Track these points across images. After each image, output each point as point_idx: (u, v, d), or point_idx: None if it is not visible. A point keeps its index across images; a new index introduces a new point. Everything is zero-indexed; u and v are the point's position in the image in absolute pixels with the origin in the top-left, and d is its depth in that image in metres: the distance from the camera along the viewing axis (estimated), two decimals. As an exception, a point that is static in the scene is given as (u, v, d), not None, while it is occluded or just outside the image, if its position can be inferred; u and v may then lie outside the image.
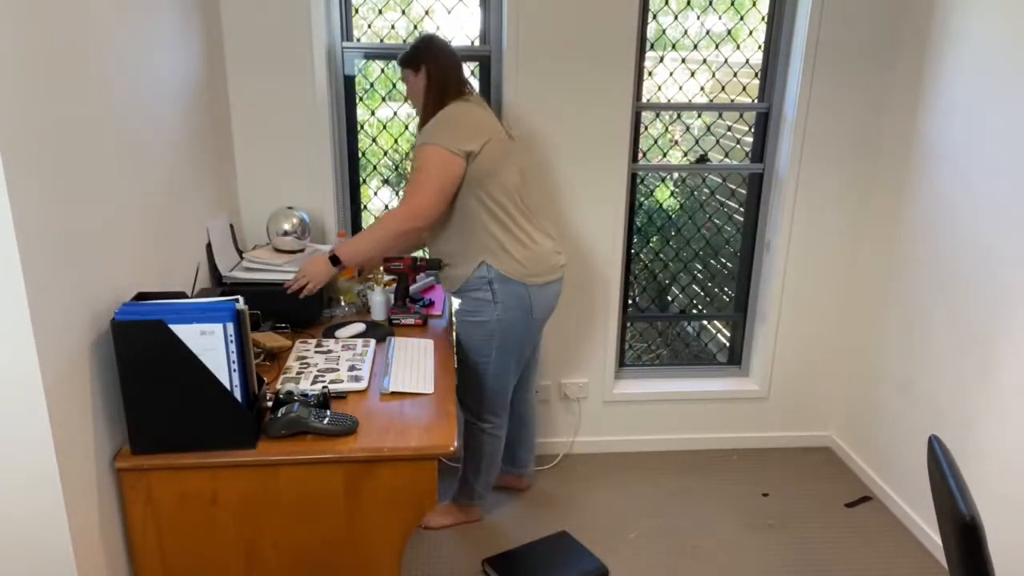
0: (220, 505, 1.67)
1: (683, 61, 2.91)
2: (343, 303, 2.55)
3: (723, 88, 2.99)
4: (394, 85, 2.88)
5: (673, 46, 2.89)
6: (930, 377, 2.56)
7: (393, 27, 2.77)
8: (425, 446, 1.69)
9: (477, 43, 2.76)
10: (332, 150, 2.71)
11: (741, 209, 3.12)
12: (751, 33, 2.89)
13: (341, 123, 2.77)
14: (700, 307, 3.35)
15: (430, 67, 2.25)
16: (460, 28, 2.76)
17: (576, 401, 3.10)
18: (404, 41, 2.78)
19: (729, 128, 3.11)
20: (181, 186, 2.09)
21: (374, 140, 2.92)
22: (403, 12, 2.75)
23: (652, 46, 2.85)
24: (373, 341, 2.22)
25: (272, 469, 1.66)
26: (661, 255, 3.23)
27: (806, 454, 3.20)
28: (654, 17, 2.82)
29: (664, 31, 2.86)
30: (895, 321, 2.76)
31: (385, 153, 2.95)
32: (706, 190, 3.21)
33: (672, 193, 3.25)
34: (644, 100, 2.90)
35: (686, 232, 3.20)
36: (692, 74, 2.93)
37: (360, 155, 2.88)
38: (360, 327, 2.31)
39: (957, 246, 2.43)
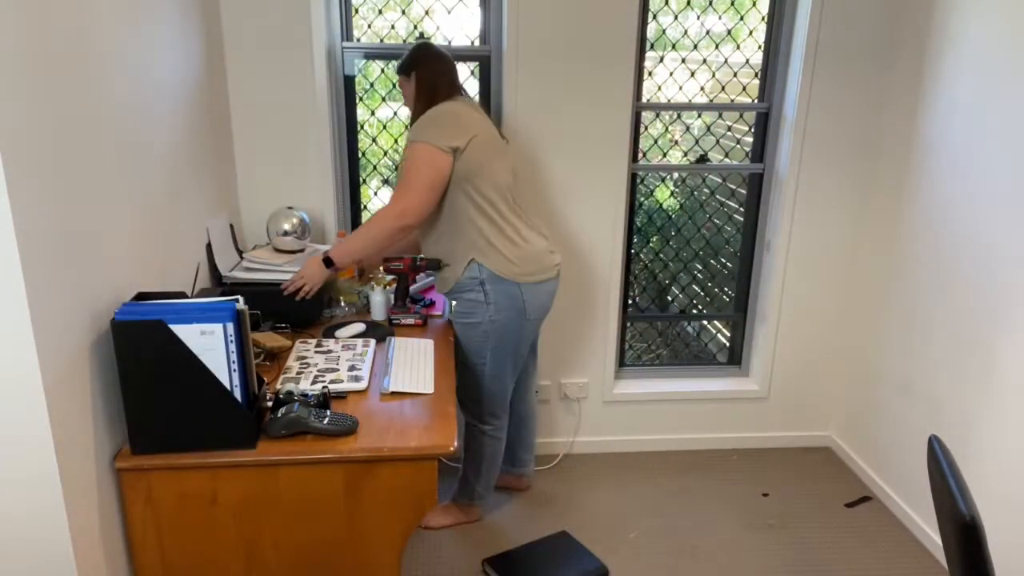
0: (220, 505, 1.68)
1: (683, 61, 2.91)
2: (343, 303, 2.55)
3: (723, 88, 2.99)
4: (394, 85, 2.88)
5: (673, 46, 2.89)
6: (930, 377, 2.56)
7: (393, 27, 2.77)
8: (425, 446, 1.69)
9: (477, 43, 2.76)
10: (332, 150, 2.71)
11: (741, 209, 3.12)
12: (751, 33, 2.89)
13: (341, 123, 2.77)
14: (700, 307, 3.35)
15: (420, 72, 2.30)
16: (460, 28, 2.76)
17: (576, 401, 3.10)
18: (404, 41, 2.78)
19: (729, 128, 3.11)
20: (181, 186, 2.09)
21: (374, 140, 2.92)
22: (403, 12, 2.75)
23: (652, 46, 2.85)
24: (373, 341, 2.22)
25: (272, 469, 1.66)
26: (661, 255, 3.23)
27: (806, 454, 3.20)
28: (654, 17, 2.82)
29: (664, 31, 2.86)
30: (895, 321, 2.76)
31: (385, 153, 2.95)
32: (706, 190, 3.21)
33: (672, 193, 3.25)
34: (644, 100, 2.90)
35: (686, 232, 3.20)
36: (692, 74, 2.93)
37: (360, 155, 2.88)
38: (360, 327, 2.31)
39: (957, 246, 2.43)
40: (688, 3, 2.84)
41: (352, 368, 2.03)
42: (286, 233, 2.51)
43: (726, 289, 3.27)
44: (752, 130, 3.01)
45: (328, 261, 2.26)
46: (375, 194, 2.99)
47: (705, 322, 3.50)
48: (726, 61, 2.93)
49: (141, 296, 1.66)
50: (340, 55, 2.69)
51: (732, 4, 2.85)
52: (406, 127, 2.92)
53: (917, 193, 2.64)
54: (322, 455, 1.66)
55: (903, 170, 2.72)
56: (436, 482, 1.73)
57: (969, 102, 2.38)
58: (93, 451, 1.55)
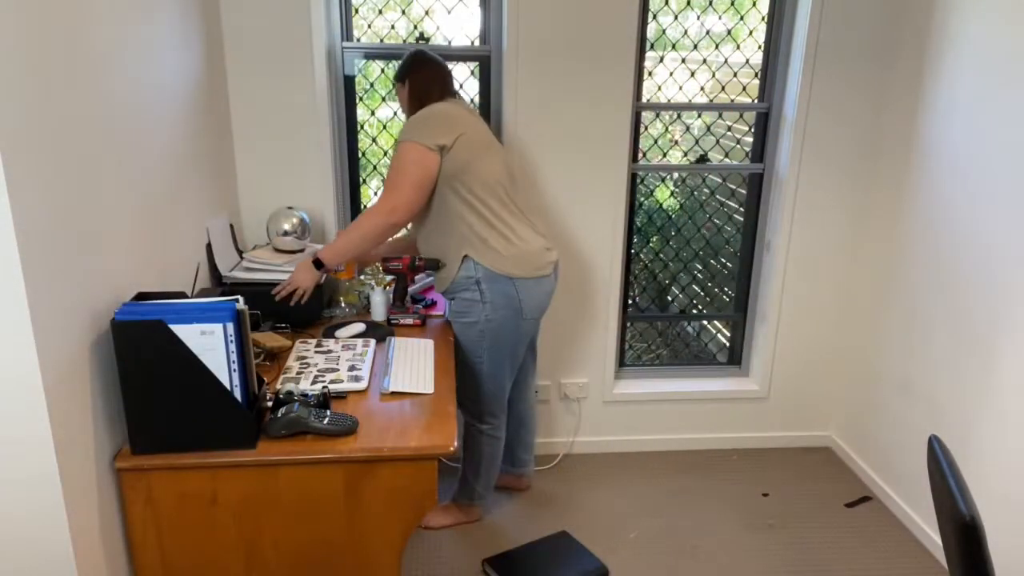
0: (220, 505, 1.68)
1: (683, 61, 2.91)
2: (343, 303, 2.55)
3: (723, 88, 2.99)
4: (394, 85, 2.88)
5: (673, 46, 2.89)
6: (930, 377, 2.56)
7: (393, 27, 2.77)
8: (425, 446, 1.69)
9: (477, 43, 2.76)
10: (332, 150, 2.71)
11: (741, 209, 3.12)
12: (751, 33, 2.89)
13: (341, 123, 2.77)
14: (700, 307, 3.35)
15: (413, 78, 2.34)
16: (460, 28, 2.76)
17: (576, 401, 3.10)
18: (404, 41, 2.78)
19: (729, 128, 3.11)
20: (181, 186, 2.09)
21: (374, 140, 2.92)
22: (403, 12, 2.75)
23: (652, 46, 2.85)
24: (373, 341, 2.22)
25: (272, 469, 1.66)
26: (661, 255, 3.23)
27: (806, 454, 3.20)
28: (654, 17, 2.82)
29: (664, 31, 2.86)
30: (895, 321, 2.76)
31: (385, 153, 2.95)
32: (706, 190, 3.21)
33: (672, 193, 3.25)
34: (644, 100, 2.90)
35: (686, 232, 3.20)
36: (692, 74, 2.93)
37: (360, 155, 2.88)
38: (360, 327, 2.31)
39: (957, 246, 2.43)
40: (688, 3, 2.84)
41: (352, 368, 2.03)
42: (286, 233, 2.51)
43: (726, 289, 3.27)
44: (752, 130, 3.01)
45: (318, 263, 2.27)
46: (375, 194, 2.99)
47: (705, 322, 3.50)
48: (726, 61, 2.93)
49: (141, 296, 1.66)
50: (340, 55, 2.69)
51: (732, 4, 2.85)
52: (406, 127, 2.92)
53: (917, 193, 2.64)
54: (322, 455, 1.66)
55: (903, 170, 2.72)
56: (436, 482, 1.73)
57: (969, 102, 2.38)
58: (93, 451, 1.55)
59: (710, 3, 2.85)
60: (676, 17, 2.86)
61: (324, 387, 1.83)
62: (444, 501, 2.67)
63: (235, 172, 2.67)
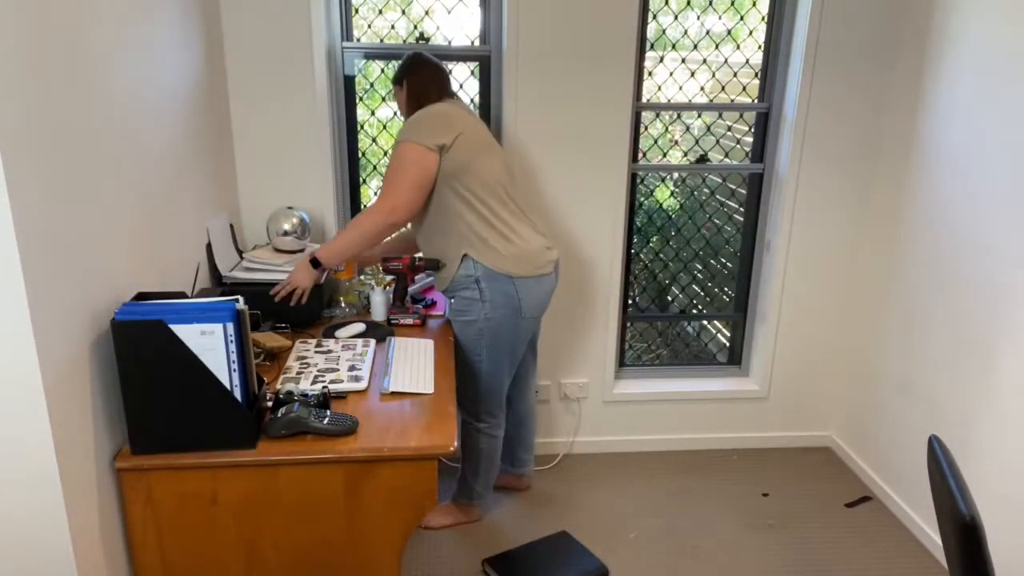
0: (220, 505, 1.68)
1: (683, 61, 2.91)
2: (343, 303, 2.55)
3: (723, 88, 2.99)
4: (392, 87, 2.88)
5: (673, 46, 2.89)
6: (930, 377, 2.56)
7: (393, 27, 2.77)
8: (425, 446, 1.69)
9: (477, 43, 2.76)
10: (332, 150, 2.71)
11: (741, 209, 3.12)
12: (751, 33, 2.89)
13: (341, 123, 2.77)
14: (700, 307, 3.35)
15: (411, 80, 2.35)
16: (460, 28, 2.76)
17: (576, 401, 3.10)
18: (404, 41, 2.78)
19: (729, 128, 3.11)
20: (181, 186, 2.09)
21: (374, 140, 2.92)
22: (403, 12, 2.75)
23: (652, 46, 2.85)
24: (373, 341, 2.22)
25: (272, 469, 1.66)
26: (661, 255, 3.23)
27: (806, 454, 3.20)
28: (654, 17, 2.82)
29: (664, 31, 2.86)
30: (895, 321, 2.76)
31: (385, 153, 2.95)
32: (706, 190, 3.21)
33: (672, 193, 3.25)
34: (644, 100, 2.90)
35: (686, 232, 3.20)
36: (692, 74, 2.93)
37: (360, 155, 2.88)
38: (360, 327, 2.31)
39: (957, 246, 2.43)
40: (688, 3, 2.84)
41: (352, 368, 2.03)
42: (286, 233, 2.51)
43: (726, 289, 3.27)
44: (752, 130, 3.01)
45: (316, 262, 2.27)
46: (375, 194, 2.99)
47: (705, 322, 3.50)
48: (726, 61, 2.93)
49: (141, 296, 1.66)
50: (340, 55, 2.69)
51: (732, 4, 2.85)
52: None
53: (917, 193, 2.64)
54: (322, 455, 1.66)
55: (903, 170, 2.72)
56: (436, 482, 1.73)
57: (969, 102, 2.38)
58: (93, 451, 1.55)
59: (710, 3, 2.85)
60: (676, 17, 2.86)
61: (324, 387, 1.83)
62: (444, 501, 2.67)
63: (235, 172, 2.67)
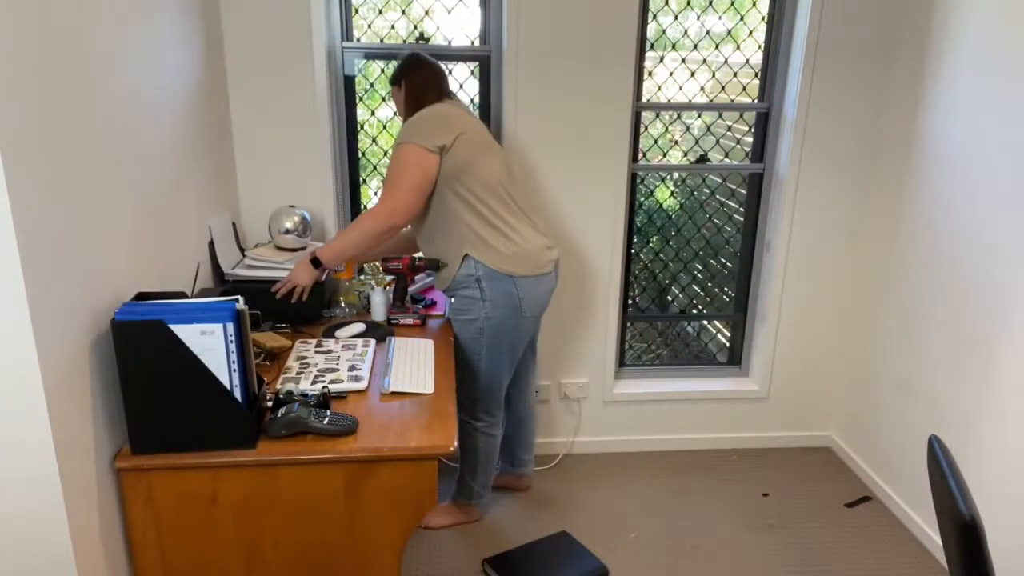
0: (220, 505, 1.68)
1: (683, 61, 2.91)
2: (343, 303, 2.55)
3: (723, 88, 2.99)
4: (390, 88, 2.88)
5: (673, 46, 2.89)
6: (930, 377, 2.56)
7: (393, 27, 2.77)
8: (425, 446, 1.69)
9: (477, 43, 2.76)
10: (332, 150, 2.71)
11: (741, 209, 3.12)
12: (751, 33, 2.89)
13: (341, 123, 2.77)
14: (700, 307, 3.35)
15: (409, 81, 2.34)
16: (460, 28, 2.76)
17: (576, 401, 3.10)
18: (404, 41, 2.78)
19: (729, 128, 3.11)
20: (181, 186, 2.09)
21: (374, 140, 2.92)
22: (403, 12, 2.75)
23: (652, 46, 2.85)
24: (373, 341, 2.22)
25: (272, 469, 1.66)
26: (661, 255, 3.23)
27: (806, 454, 3.20)
28: (654, 17, 2.82)
29: (664, 31, 2.86)
30: (895, 321, 2.76)
31: (385, 153, 2.95)
32: (706, 190, 3.21)
33: (672, 193, 3.25)
34: (644, 100, 2.90)
35: (686, 232, 3.20)
36: (692, 74, 2.93)
37: (360, 155, 2.88)
38: (360, 327, 2.31)
39: (957, 246, 2.43)
40: (688, 3, 2.84)
41: (352, 368, 2.03)
42: (288, 231, 2.51)
43: (726, 289, 3.27)
44: (752, 130, 3.01)
45: (316, 262, 2.27)
46: (375, 194, 2.99)
47: (705, 322, 3.50)
48: (726, 61, 2.93)
49: (141, 296, 1.66)
50: (340, 55, 2.69)
51: (732, 4, 2.85)
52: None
53: (917, 193, 2.64)
54: (322, 455, 1.66)
55: (903, 170, 2.72)
56: (436, 482, 1.73)
57: (969, 102, 2.38)
58: (93, 451, 1.55)
59: (710, 3, 2.85)
60: (676, 17, 2.86)
61: (324, 387, 1.83)
62: (443, 501, 2.67)
63: (235, 172, 2.67)
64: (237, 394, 1.61)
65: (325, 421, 1.70)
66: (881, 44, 2.75)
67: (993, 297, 2.27)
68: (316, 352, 2.14)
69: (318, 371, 2.00)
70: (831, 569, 2.48)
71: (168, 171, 1.99)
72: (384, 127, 2.92)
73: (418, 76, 2.33)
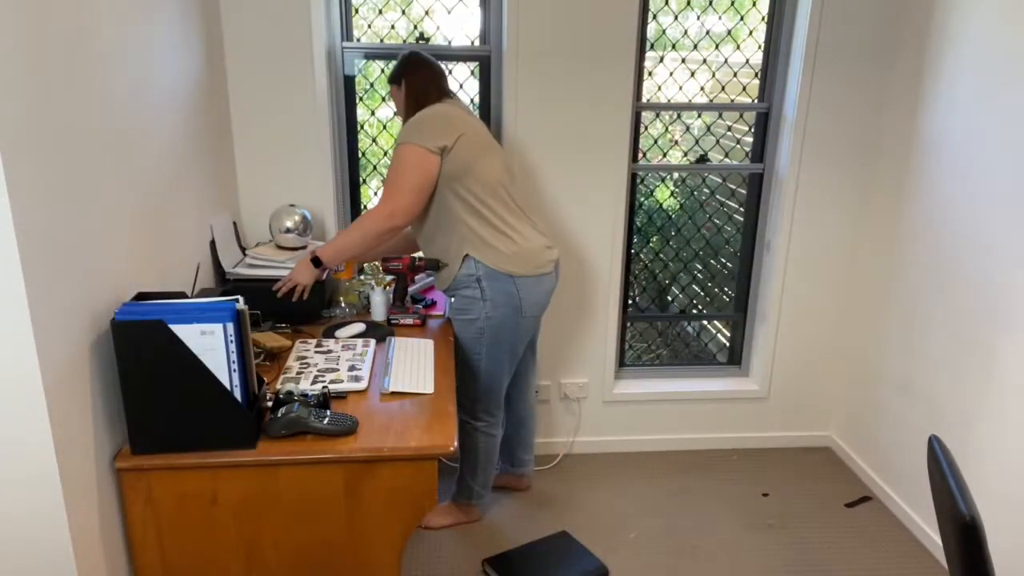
0: (220, 505, 1.68)
1: (683, 61, 2.91)
2: (343, 303, 2.55)
3: (723, 88, 2.99)
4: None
5: (673, 46, 2.89)
6: (930, 377, 2.56)
7: (393, 27, 2.77)
8: (425, 446, 1.69)
9: (477, 43, 2.76)
10: (332, 150, 2.71)
11: (741, 209, 3.12)
12: (751, 33, 2.89)
13: (341, 123, 2.77)
14: (700, 307, 3.35)
15: (409, 80, 2.33)
16: (460, 28, 2.76)
17: (576, 401, 3.10)
18: (404, 41, 2.78)
19: (729, 128, 3.11)
20: (181, 186, 2.09)
21: (374, 140, 2.92)
22: (403, 12, 2.75)
23: (652, 46, 2.85)
24: (373, 341, 2.22)
25: (272, 469, 1.66)
26: (661, 255, 3.23)
27: (806, 454, 3.20)
28: (654, 17, 2.82)
29: (664, 31, 2.86)
30: (895, 321, 2.76)
31: (385, 153, 2.95)
32: (706, 190, 3.21)
33: (672, 193, 3.25)
34: (644, 100, 2.90)
35: (686, 232, 3.20)
36: (692, 74, 2.93)
37: (360, 155, 2.88)
38: (360, 327, 2.31)
39: (957, 246, 2.43)
40: (688, 3, 2.84)
41: (352, 368, 2.03)
42: (288, 230, 2.52)
43: (726, 289, 3.27)
44: (752, 130, 3.01)
45: (317, 261, 2.27)
46: (375, 194, 2.99)
47: (705, 322, 3.50)
48: (726, 61, 2.93)
49: (141, 296, 1.66)
50: (340, 55, 2.69)
51: (732, 4, 2.85)
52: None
53: (917, 193, 2.64)
54: (322, 455, 1.66)
55: (903, 170, 2.72)
56: (436, 482, 1.73)
57: (969, 102, 2.38)
58: (93, 451, 1.55)
59: (710, 3, 2.85)
60: (676, 17, 2.86)
61: (324, 387, 1.83)
62: (443, 501, 2.67)
63: (235, 172, 2.67)
64: (237, 394, 1.61)
65: (325, 421, 1.70)
66: (881, 44, 2.75)
67: (993, 297, 2.27)
68: (316, 352, 2.14)
69: (318, 371, 2.00)
70: (831, 569, 2.48)
71: (168, 171, 1.99)
72: (384, 127, 2.92)
73: (418, 76, 2.33)
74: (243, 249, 2.58)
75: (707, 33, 2.89)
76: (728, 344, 3.32)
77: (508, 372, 2.45)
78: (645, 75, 2.87)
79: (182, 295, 1.69)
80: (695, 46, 2.90)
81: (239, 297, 1.62)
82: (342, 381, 1.95)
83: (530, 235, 2.34)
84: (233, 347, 1.58)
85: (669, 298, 3.33)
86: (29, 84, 1.32)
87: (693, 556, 2.53)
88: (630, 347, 3.30)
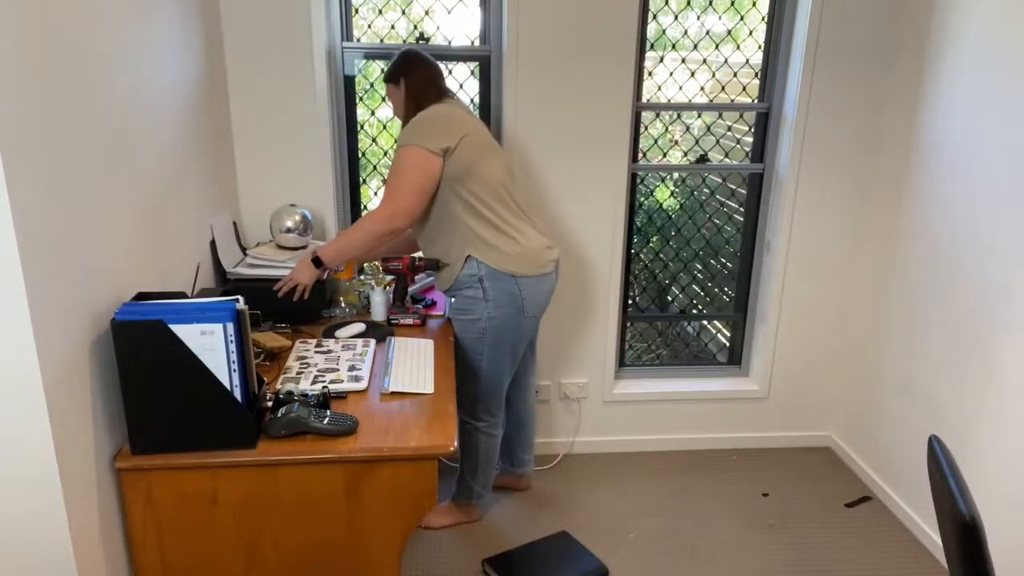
0: (220, 505, 1.68)
1: (683, 61, 2.91)
2: (343, 303, 2.55)
3: (723, 88, 2.99)
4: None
5: (673, 46, 2.89)
6: (930, 377, 2.56)
7: (393, 27, 2.77)
8: (425, 446, 1.69)
9: (477, 43, 2.76)
10: (332, 150, 2.71)
11: (741, 209, 3.12)
12: (751, 33, 2.89)
13: (341, 123, 2.77)
14: (700, 307, 3.35)
15: (408, 79, 2.31)
16: (460, 28, 2.76)
17: (576, 401, 3.10)
18: (404, 41, 2.78)
19: (729, 128, 3.11)
20: (181, 186, 2.09)
21: (374, 140, 2.92)
22: (403, 12, 2.75)
23: (652, 46, 2.85)
24: (373, 341, 2.22)
25: (272, 469, 1.66)
26: (661, 255, 3.23)
27: (806, 454, 3.20)
28: (654, 17, 2.82)
29: (664, 31, 2.86)
30: (895, 321, 2.76)
31: (385, 153, 2.95)
32: (706, 190, 3.21)
33: (672, 193, 3.25)
34: (644, 100, 2.90)
35: (686, 232, 3.20)
36: (692, 74, 2.93)
37: (360, 155, 2.88)
38: (360, 327, 2.31)
39: (957, 246, 2.43)
40: (688, 3, 2.84)
41: (352, 368, 2.03)
42: (289, 230, 2.52)
43: (726, 289, 3.27)
44: (752, 130, 3.01)
45: (317, 261, 2.27)
46: (375, 194, 2.99)
47: (705, 322, 3.50)
48: (726, 61, 2.93)
49: (141, 296, 1.66)
50: (340, 55, 2.69)
51: (732, 4, 2.85)
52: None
53: (917, 193, 2.64)
54: (322, 455, 1.66)
55: (903, 170, 2.72)
56: (436, 482, 1.73)
57: (969, 102, 2.38)
58: (93, 451, 1.55)
59: (710, 3, 2.85)
60: (676, 17, 2.86)
61: (324, 387, 1.83)
62: (443, 501, 2.67)
63: (235, 172, 2.67)
64: (237, 394, 1.61)
65: (325, 421, 1.70)
66: (881, 44, 2.75)
67: (993, 297, 2.27)
68: (316, 352, 2.14)
69: (318, 371, 2.00)
70: (831, 569, 2.48)
71: (168, 171, 1.99)
72: (384, 127, 2.92)
73: (418, 75, 2.31)
74: (243, 249, 2.58)
75: (707, 33, 2.89)
76: (728, 344, 3.32)
77: (509, 372, 2.45)
78: (645, 75, 2.87)
79: (182, 295, 1.69)
80: (695, 46, 2.90)
81: (239, 297, 1.62)
82: (342, 381, 1.95)
83: (531, 235, 2.34)
84: (233, 347, 1.58)
85: (669, 298, 3.33)
86: (29, 84, 1.32)
87: (693, 556, 2.53)
88: (630, 347, 3.30)
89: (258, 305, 2.29)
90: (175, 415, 1.60)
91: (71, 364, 1.46)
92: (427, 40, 2.78)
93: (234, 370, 1.59)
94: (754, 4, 2.85)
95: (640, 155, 2.99)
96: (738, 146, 3.07)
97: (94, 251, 1.56)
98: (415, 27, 2.78)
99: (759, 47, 2.89)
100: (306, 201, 2.73)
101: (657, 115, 3.01)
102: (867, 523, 2.73)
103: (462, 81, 2.81)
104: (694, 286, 3.31)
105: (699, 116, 3.09)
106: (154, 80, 1.91)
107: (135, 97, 1.78)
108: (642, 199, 3.13)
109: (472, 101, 2.83)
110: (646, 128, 2.98)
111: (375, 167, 2.96)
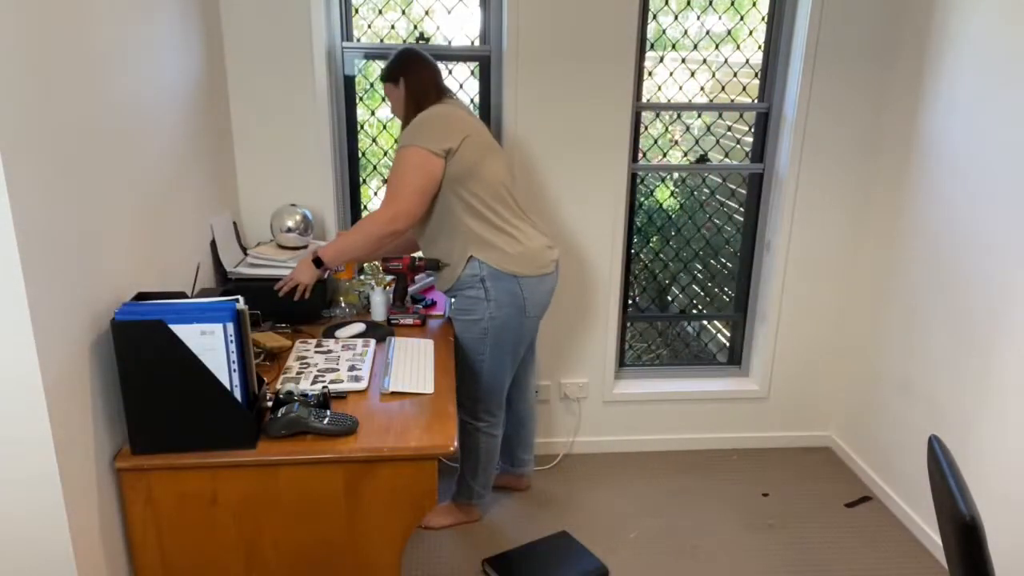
0: (220, 505, 1.68)
1: (683, 61, 2.91)
2: (343, 303, 2.55)
3: (723, 88, 2.99)
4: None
5: (673, 46, 2.89)
6: (930, 377, 2.56)
7: (393, 27, 2.77)
8: (425, 446, 1.69)
9: (477, 43, 2.76)
10: (332, 150, 2.71)
11: (741, 209, 3.12)
12: (751, 33, 2.89)
13: (341, 123, 2.77)
14: (700, 307, 3.35)
15: (408, 78, 2.29)
16: (460, 28, 2.76)
17: (576, 401, 3.10)
18: (404, 41, 2.78)
19: (729, 128, 3.11)
20: (181, 186, 2.09)
21: (374, 140, 2.92)
22: (403, 12, 2.75)
23: (652, 46, 2.85)
24: (373, 341, 2.22)
25: (272, 469, 1.66)
26: (661, 255, 3.23)
27: (806, 454, 3.20)
28: (654, 17, 2.82)
29: (664, 31, 2.86)
30: (895, 321, 2.76)
31: (385, 153, 2.95)
32: (706, 190, 3.21)
33: (672, 193, 3.25)
34: (644, 100, 2.90)
35: (686, 232, 3.20)
36: (692, 74, 2.93)
37: (360, 155, 2.88)
38: (360, 327, 2.31)
39: (957, 246, 2.43)
40: (688, 3, 2.84)
41: (352, 368, 2.03)
42: (290, 230, 2.52)
43: (726, 289, 3.27)
44: (752, 130, 3.01)
45: (318, 261, 2.27)
46: (375, 194, 3.00)
47: (705, 322, 3.50)
48: (726, 61, 2.93)
49: (141, 296, 1.66)
50: (340, 55, 2.69)
51: (732, 4, 2.85)
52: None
53: (917, 193, 2.64)
54: (322, 455, 1.66)
55: (903, 170, 2.72)
56: (436, 482, 1.73)
57: (969, 102, 2.38)
58: (93, 451, 1.55)
59: (710, 3, 2.85)
60: (676, 17, 2.86)
61: (324, 387, 1.83)
62: (444, 501, 2.67)
63: (235, 172, 2.67)
64: (237, 394, 1.61)
65: (325, 421, 1.70)
66: (881, 44, 2.75)
67: (993, 297, 2.27)
68: (316, 352, 2.14)
69: (318, 371, 2.00)
70: (831, 569, 2.48)
71: (168, 171, 1.99)
72: (384, 127, 2.92)
73: (419, 75, 2.29)
74: (244, 249, 2.58)
75: (707, 33, 2.89)
76: (728, 344, 3.32)
77: (510, 372, 2.45)
78: (645, 75, 2.87)
79: (182, 295, 1.69)
80: (695, 46, 2.90)
81: (239, 297, 1.62)
82: (342, 381, 1.95)
83: (532, 235, 2.34)
84: (233, 347, 1.58)
85: (669, 298, 3.33)
86: (29, 84, 1.32)
87: (693, 556, 2.53)
88: (630, 347, 3.30)
89: (258, 305, 2.29)
90: (175, 415, 1.60)
91: (71, 364, 1.46)
92: (427, 40, 2.78)
93: (234, 370, 1.59)
94: (754, 4, 2.85)
95: (640, 155, 3.00)
96: (738, 146, 3.07)
97: (94, 251, 1.56)
98: (415, 27, 2.78)
99: (759, 47, 2.89)
100: (306, 201, 2.73)
101: (657, 115, 3.01)
102: (867, 523, 2.73)
103: (462, 81, 2.82)
104: (694, 286, 3.31)
105: (699, 116, 3.09)
106: (154, 80, 1.91)
107: (135, 97, 1.78)
108: (642, 199, 3.13)
109: (472, 101, 2.83)
110: (646, 128, 2.98)
111: (375, 167, 2.96)
